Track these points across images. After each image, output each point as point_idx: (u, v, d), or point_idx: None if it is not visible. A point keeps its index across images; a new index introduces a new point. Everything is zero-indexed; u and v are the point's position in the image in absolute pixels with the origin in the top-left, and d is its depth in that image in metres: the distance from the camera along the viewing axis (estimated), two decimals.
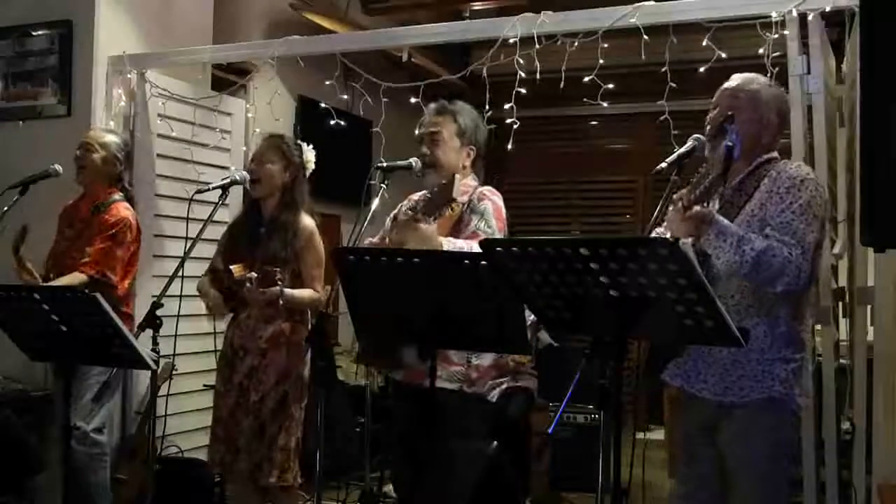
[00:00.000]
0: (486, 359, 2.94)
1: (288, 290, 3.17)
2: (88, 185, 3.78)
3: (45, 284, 3.49)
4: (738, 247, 2.27)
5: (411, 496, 2.99)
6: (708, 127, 2.48)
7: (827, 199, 2.47)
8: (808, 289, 2.49)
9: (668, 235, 2.30)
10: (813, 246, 2.34)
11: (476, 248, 2.41)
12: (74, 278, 3.53)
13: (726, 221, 2.32)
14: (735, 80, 2.54)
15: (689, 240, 2.38)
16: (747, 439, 2.38)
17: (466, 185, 2.97)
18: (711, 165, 2.30)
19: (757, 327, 2.37)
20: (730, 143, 2.32)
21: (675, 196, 2.33)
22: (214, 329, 3.45)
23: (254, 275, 3.12)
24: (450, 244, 2.70)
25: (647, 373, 2.52)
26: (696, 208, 2.29)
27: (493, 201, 2.94)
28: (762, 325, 2.38)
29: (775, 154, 2.51)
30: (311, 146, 3.52)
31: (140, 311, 3.65)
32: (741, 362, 2.38)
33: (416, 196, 3.12)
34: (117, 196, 3.75)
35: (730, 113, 2.43)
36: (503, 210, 2.96)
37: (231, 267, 3.17)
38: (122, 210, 3.70)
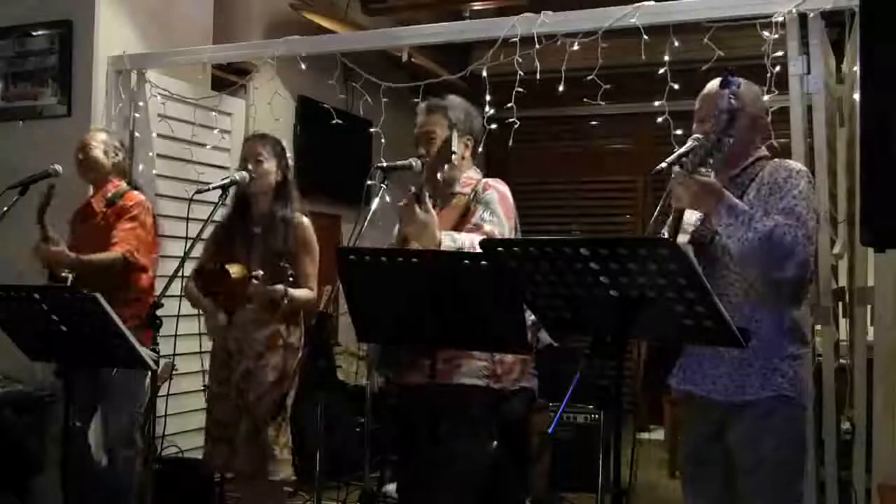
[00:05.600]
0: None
1: (291, 290, 3.17)
2: (96, 181, 3.80)
3: (81, 257, 3.49)
4: (750, 224, 2.21)
5: (413, 496, 2.98)
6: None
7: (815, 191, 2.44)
8: (811, 280, 2.47)
9: (666, 231, 2.29)
10: (812, 232, 2.32)
11: (476, 241, 2.41)
12: (109, 254, 3.54)
13: (735, 198, 2.27)
14: (715, 84, 2.43)
15: (688, 240, 2.39)
16: (757, 439, 2.36)
17: (469, 177, 2.94)
18: (713, 125, 2.23)
19: (763, 323, 2.34)
20: (732, 99, 2.21)
21: (675, 169, 2.29)
22: (200, 330, 3.44)
23: (260, 272, 3.11)
24: (449, 238, 2.69)
25: (649, 381, 2.49)
26: (704, 178, 2.24)
27: (498, 190, 2.89)
28: (768, 321, 2.34)
29: (766, 152, 2.49)
30: (290, 144, 3.53)
31: None
32: (749, 360, 2.35)
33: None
34: (125, 186, 3.79)
35: (731, 69, 2.33)
36: (510, 198, 2.90)
37: (227, 266, 3.15)
38: (137, 195, 3.76)
